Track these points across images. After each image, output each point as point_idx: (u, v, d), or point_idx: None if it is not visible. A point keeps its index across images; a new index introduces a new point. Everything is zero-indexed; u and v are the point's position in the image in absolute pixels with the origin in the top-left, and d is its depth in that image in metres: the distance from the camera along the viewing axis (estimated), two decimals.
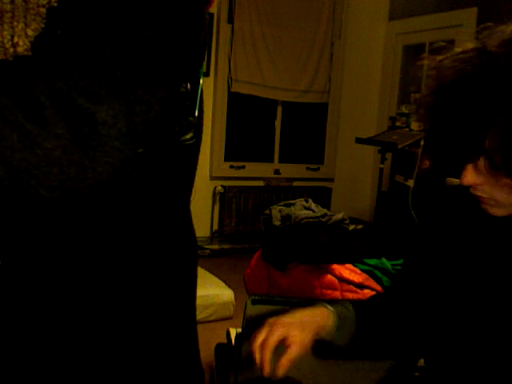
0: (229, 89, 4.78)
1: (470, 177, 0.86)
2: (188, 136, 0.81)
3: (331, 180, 5.38)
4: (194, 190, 0.91)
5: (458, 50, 0.89)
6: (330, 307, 1.04)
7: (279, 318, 1.01)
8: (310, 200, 2.80)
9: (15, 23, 0.66)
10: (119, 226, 0.78)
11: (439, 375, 1.07)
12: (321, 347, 1.05)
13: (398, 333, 1.11)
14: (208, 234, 4.87)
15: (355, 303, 1.10)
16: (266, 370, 0.93)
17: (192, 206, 0.92)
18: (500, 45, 0.84)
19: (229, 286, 3.47)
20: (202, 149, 0.89)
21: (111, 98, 0.63)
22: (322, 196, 5.16)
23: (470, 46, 0.88)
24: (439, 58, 0.91)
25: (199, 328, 0.93)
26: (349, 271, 2.43)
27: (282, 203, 2.79)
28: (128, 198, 0.78)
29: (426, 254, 1.08)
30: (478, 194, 0.89)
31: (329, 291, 2.39)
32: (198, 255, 0.95)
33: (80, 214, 0.75)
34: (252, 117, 5.25)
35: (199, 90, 0.84)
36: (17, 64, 0.66)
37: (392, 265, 2.50)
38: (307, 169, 5.33)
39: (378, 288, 2.37)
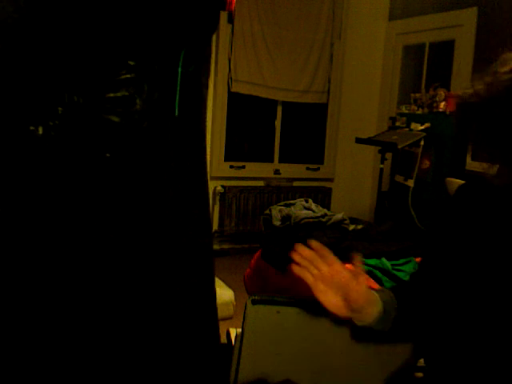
0: (229, 89, 4.78)
1: None
2: (119, 93, 0.80)
3: (331, 180, 5.38)
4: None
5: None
6: (376, 293, 1.09)
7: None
8: (310, 200, 2.80)
9: None
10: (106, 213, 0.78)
11: (441, 375, 1.06)
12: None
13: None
14: None
15: (393, 290, 1.16)
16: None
17: None
18: None
19: (229, 286, 3.47)
20: None
21: None
22: (322, 196, 5.16)
23: None
24: (502, 69, 0.95)
25: None
26: None
27: (282, 203, 2.79)
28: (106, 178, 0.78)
29: (443, 249, 1.08)
30: None
31: None
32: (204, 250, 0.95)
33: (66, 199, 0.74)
34: (252, 117, 5.25)
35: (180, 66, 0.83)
36: None
37: (392, 265, 2.50)
38: (307, 169, 5.33)
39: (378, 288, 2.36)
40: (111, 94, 0.84)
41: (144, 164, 0.84)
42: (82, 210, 0.81)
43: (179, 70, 0.85)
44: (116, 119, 0.82)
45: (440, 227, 1.12)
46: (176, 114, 0.87)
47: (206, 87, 1.09)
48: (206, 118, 1.10)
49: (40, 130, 0.83)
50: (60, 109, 0.84)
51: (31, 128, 0.83)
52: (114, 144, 0.80)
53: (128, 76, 0.85)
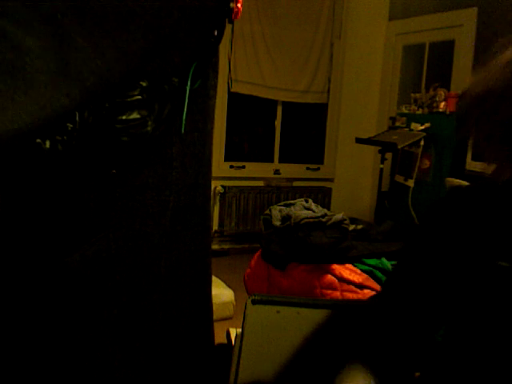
0: (229, 89, 4.78)
1: None
2: (131, 116, 0.81)
3: (331, 180, 5.38)
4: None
5: None
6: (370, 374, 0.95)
7: None
8: (310, 200, 2.80)
9: None
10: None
11: (439, 375, 1.06)
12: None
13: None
14: None
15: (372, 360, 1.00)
16: None
17: None
18: None
19: (229, 286, 3.47)
20: None
21: (41, 28, 0.61)
22: (322, 196, 5.16)
23: None
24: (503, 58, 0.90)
25: None
26: (349, 271, 2.43)
27: (282, 203, 2.79)
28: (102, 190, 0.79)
29: (426, 255, 1.06)
30: None
31: (329, 291, 2.39)
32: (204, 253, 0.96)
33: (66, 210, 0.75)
34: (252, 117, 5.25)
35: (188, 83, 0.84)
36: None
37: (392, 265, 2.50)
38: (307, 169, 5.33)
39: (378, 288, 2.37)
40: (123, 117, 0.85)
41: (145, 176, 0.85)
42: (79, 218, 0.82)
43: (187, 87, 0.86)
44: (126, 139, 0.83)
45: (432, 229, 1.09)
46: (182, 131, 0.88)
47: (214, 97, 1.10)
48: (212, 129, 1.11)
49: (47, 144, 0.84)
50: (69, 125, 0.85)
51: (38, 141, 0.84)
52: (121, 160, 0.81)
53: (140, 97, 0.86)
